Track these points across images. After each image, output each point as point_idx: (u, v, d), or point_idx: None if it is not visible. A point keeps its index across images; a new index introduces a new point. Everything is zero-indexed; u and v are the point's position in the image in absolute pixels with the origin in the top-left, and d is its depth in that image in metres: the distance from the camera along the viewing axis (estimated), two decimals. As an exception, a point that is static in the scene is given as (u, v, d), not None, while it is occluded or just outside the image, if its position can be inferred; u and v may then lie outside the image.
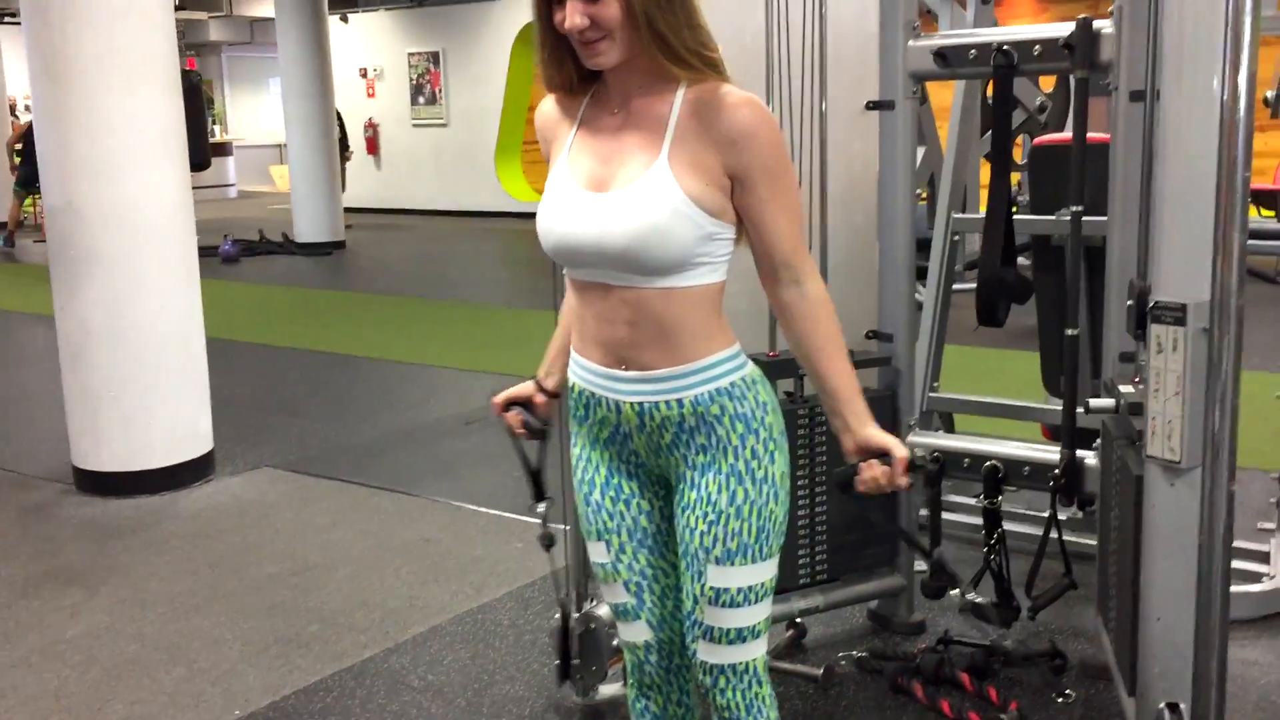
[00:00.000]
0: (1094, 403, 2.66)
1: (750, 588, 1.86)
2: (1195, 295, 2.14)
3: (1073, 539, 3.39)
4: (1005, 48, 2.83)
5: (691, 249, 1.74)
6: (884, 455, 1.77)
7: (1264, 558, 3.52)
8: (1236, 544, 3.62)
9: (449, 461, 4.91)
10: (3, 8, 10.93)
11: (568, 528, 2.83)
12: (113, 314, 4.49)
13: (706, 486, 1.82)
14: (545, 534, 2.19)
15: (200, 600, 3.63)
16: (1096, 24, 2.71)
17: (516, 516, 4.16)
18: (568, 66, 1.82)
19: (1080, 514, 3.60)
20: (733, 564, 1.83)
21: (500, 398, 2.09)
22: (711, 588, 1.84)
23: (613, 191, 1.77)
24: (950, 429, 4.20)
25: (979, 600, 2.99)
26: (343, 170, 13.41)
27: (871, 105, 3.09)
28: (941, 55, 2.95)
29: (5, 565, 3.96)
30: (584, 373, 1.88)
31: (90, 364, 4.54)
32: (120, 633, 3.43)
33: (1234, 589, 3.35)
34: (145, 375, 4.57)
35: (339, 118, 13.18)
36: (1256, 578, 3.42)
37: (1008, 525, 3.49)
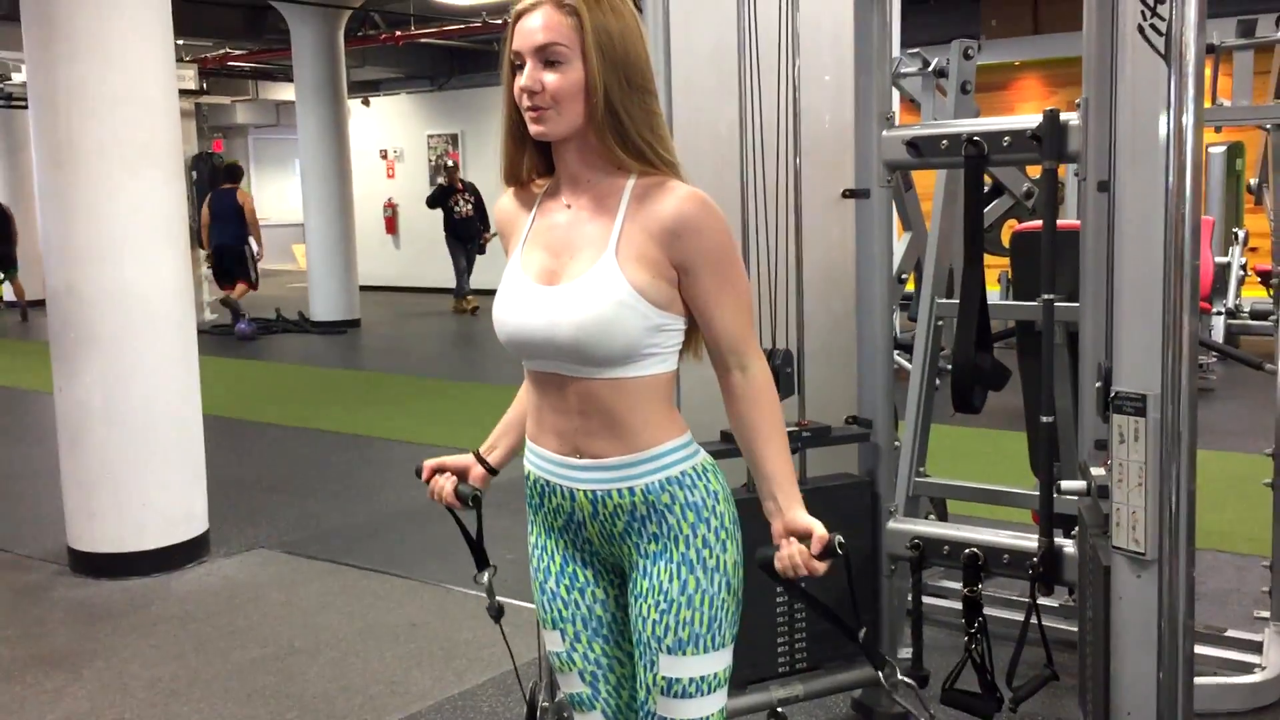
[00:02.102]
0: (1066, 485, 2.64)
1: (703, 678, 1.84)
2: (1156, 385, 2.14)
3: (1058, 625, 3.35)
4: (975, 138, 2.87)
5: (639, 340, 1.76)
6: (808, 538, 1.76)
7: (1257, 648, 3.46)
8: (1230, 633, 3.59)
9: (442, 543, 4.88)
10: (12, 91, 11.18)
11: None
12: (111, 396, 4.54)
13: (658, 575, 1.82)
14: (493, 604, 2.10)
15: (182, 685, 3.61)
16: (1063, 116, 2.74)
17: (506, 599, 4.12)
18: (528, 154, 1.86)
19: (1069, 599, 3.56)
20: (684, 653, 1.82)
21: (431, 463, 2.04)
22: (664, 677, 1.83)
23: (562, 285, 1.79)
24: (943, 515, 4.17)
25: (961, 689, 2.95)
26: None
27: (848, 194, 3.12)
28: (914, 145, 2.99)
29: (-8, 647, 3.96)
30: (539, 460, 1.90)
31: (87, 445, 4.58)
32: (99, 718, 3.41)
33: (1226, 680, 3.31)
34: (141, 457, 4.61)
35: None
36: (1249, 668, 3.35)
37: (995, 611, 3.46)
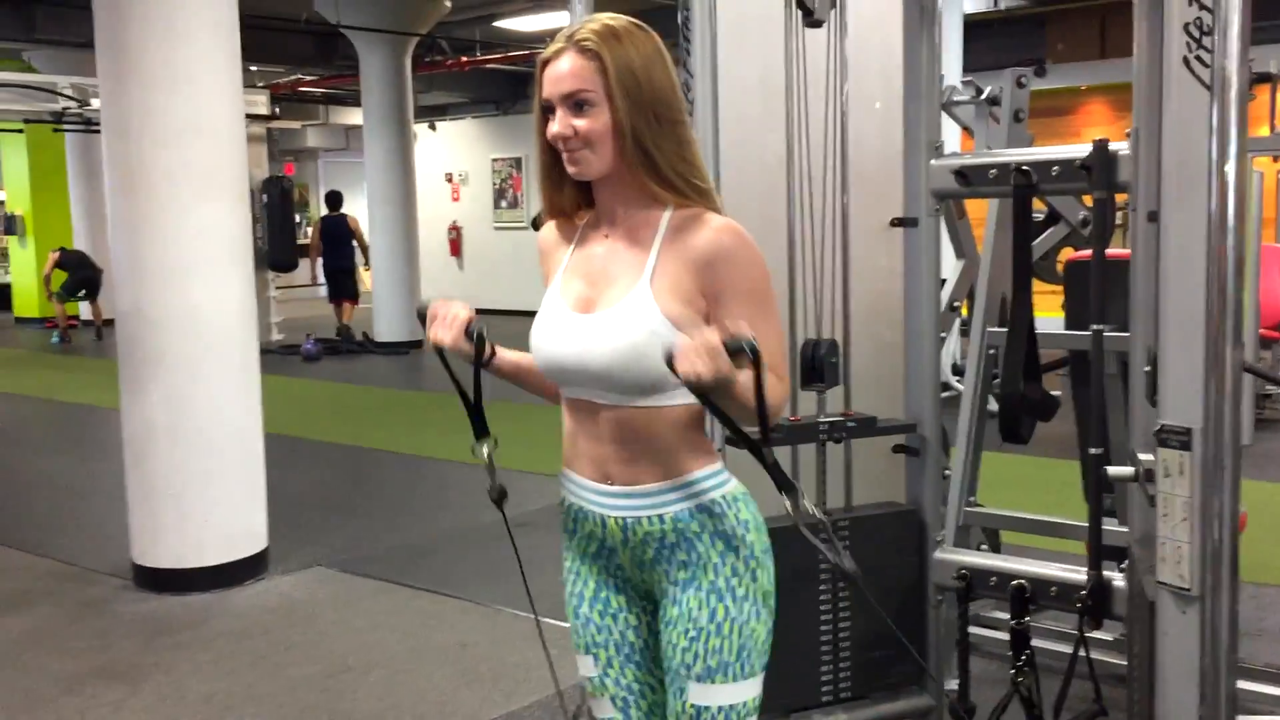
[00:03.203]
0: (1113, 471, 2.58)
1: (732, 706, 1.85)
2: (1200, 419, 2.11)
3: (1109, 659, 3.30)
4: (1024, 168, 2.85)
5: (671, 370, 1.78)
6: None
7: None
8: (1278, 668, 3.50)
9: (495, 564, 4.93)
10: (91, 117, 11.53)
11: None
12: (175, 414, 4.66)
13: (687, 603, 1.83)
14: (494, 485, 1.94)
15: (235, 701, 3.68)
16: (1113, 146, 2.72)
17: (555, 622, 4.12)
18: (567, 190, 1.89)
19: (1122, 634, 3.49)
20: (713, 681, 1.83)
21: (442, 301, 1.89)
22: (693, 705, 1.84)
23: (597, 313, 1.82)
24: (996, 545, 4.13)
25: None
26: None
27: (896, 222, 3.12)
28: (963, 174, 2.98)
29: (57, 660, 4.07)
30: (573, 486, 1.92)
31: (152, 462, 4.70)
32: (156, 730, 3.49)
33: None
34: (204, 475, 4.72)
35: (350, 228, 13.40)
36: (1304, 707, 3.27)
37: (1045, 644, 3.41)
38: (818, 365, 2.93)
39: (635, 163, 1.77)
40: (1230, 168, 1.85)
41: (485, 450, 1.94)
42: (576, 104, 1.75)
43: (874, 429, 3.04)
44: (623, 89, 1.74)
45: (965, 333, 6.68)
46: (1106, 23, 11.69)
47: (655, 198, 1.81)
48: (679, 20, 2.88)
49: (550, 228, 1.98)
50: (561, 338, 1.85)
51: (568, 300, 1.87)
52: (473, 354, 1.88)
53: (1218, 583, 1.90)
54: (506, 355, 1.98)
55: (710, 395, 1.65)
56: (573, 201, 1.91)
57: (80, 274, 14.12)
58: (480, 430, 1.95)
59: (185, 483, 4.69)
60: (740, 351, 1.58)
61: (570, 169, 1.80)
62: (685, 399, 1.81)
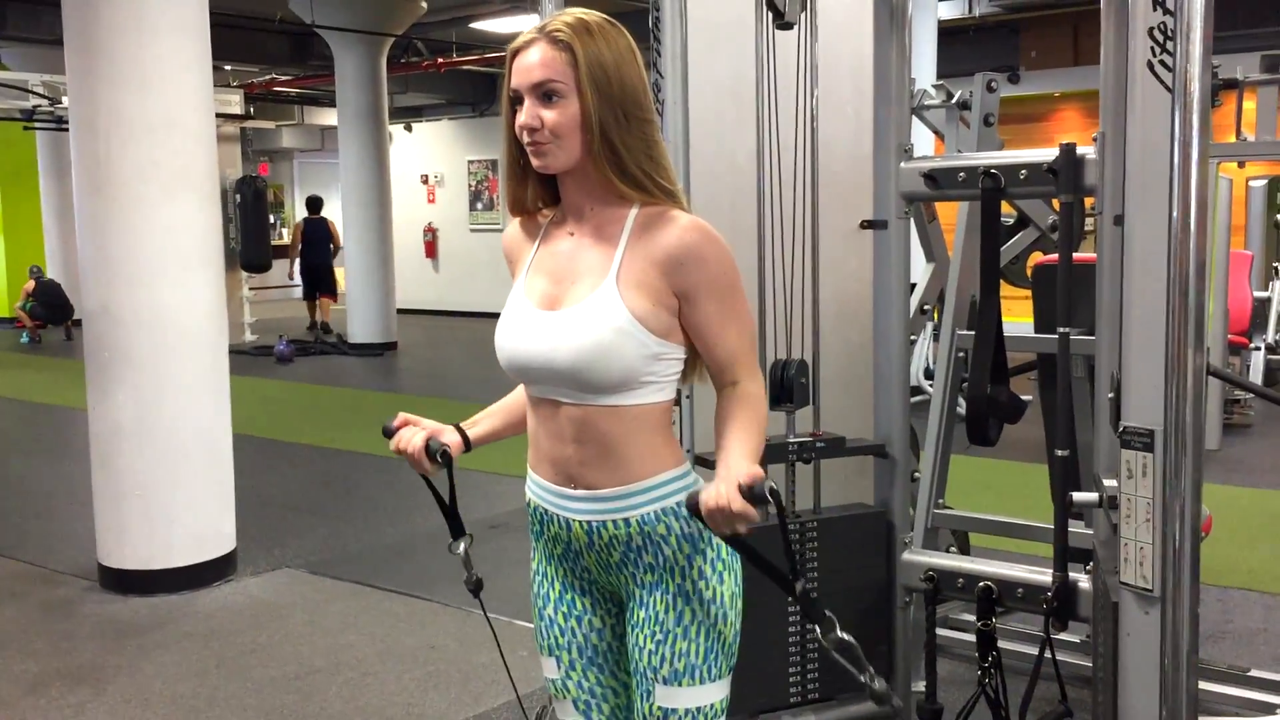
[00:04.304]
0: (1078, 497, 2.61)
1: (699, 709, 1.84)
2: (1163, 421, 2.13)
3: (1075, 661, 3.31)
4: (992, 171, 2.87)
5: (637, 368, 1.77)
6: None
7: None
8: (1254, 673, 3.53)
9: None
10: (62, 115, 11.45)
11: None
12: (143, 415, 4.62)
13: (654, 605, 1.82)
14: (470, 577, 1.99)
15: (202, 703, 3.65)
16: (1080, 150, 2.74)
17: (526, 624, 4.14)
18: (531, 185, 1.88)
19: (1087, 636, 3.51)
20: (680, 684, 1.82)
21: (406, 416, 2.00)
22: (659, 708, 1.83)
23: (562, 310, 1.81)
24: (965, 548, 4.14)
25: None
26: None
27: (866, 224, 3.13)
28: (932, 177, 2.99)
29: (21, 661, 4.02)
30: (537, 489, 1.91)
31: (119, 463, 4.66)
32: (120, 733, 3.46)
33: (1247, 721, 3.25)
34: (172, 475, 4.68)
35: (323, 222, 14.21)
36: (1272, 709, 3.30)
37: (1011, 645, 3.42)
38: (787, 385, 2.95)
39: (601, 158, 1.76)
40: (1193, 171, 1.87)
41: (462, 547, 2.00)
42: (545, 94, 1.74)
43: (843, 449, 3.06)
44: (593, 82, 1.73)
45: (938, 336, 6.72)
46: (1079, 31, 11.79)
47: (621, 195, 1.80)
48: (650, 22, 2.88)
49: (514, 226, 1.97)
50: (526, 336, 1.84)
51: (532, 298, 1.86)
52: (444, 467, 1.94)
53: (1179, 584, 1.91)
54: (481, 427, 2.02)
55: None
56: (536, 197, 1.89)
57: (49, 303, 14.10)
58: (456, 530, 2.01)
59: (152, 483, 4.65)
60: (763, 500, 1.57)
61: (535, 161, 1.79)
62: (652, 398, 1.80)
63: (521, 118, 1.77)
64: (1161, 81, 2.13)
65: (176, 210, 4.60)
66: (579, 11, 1.81)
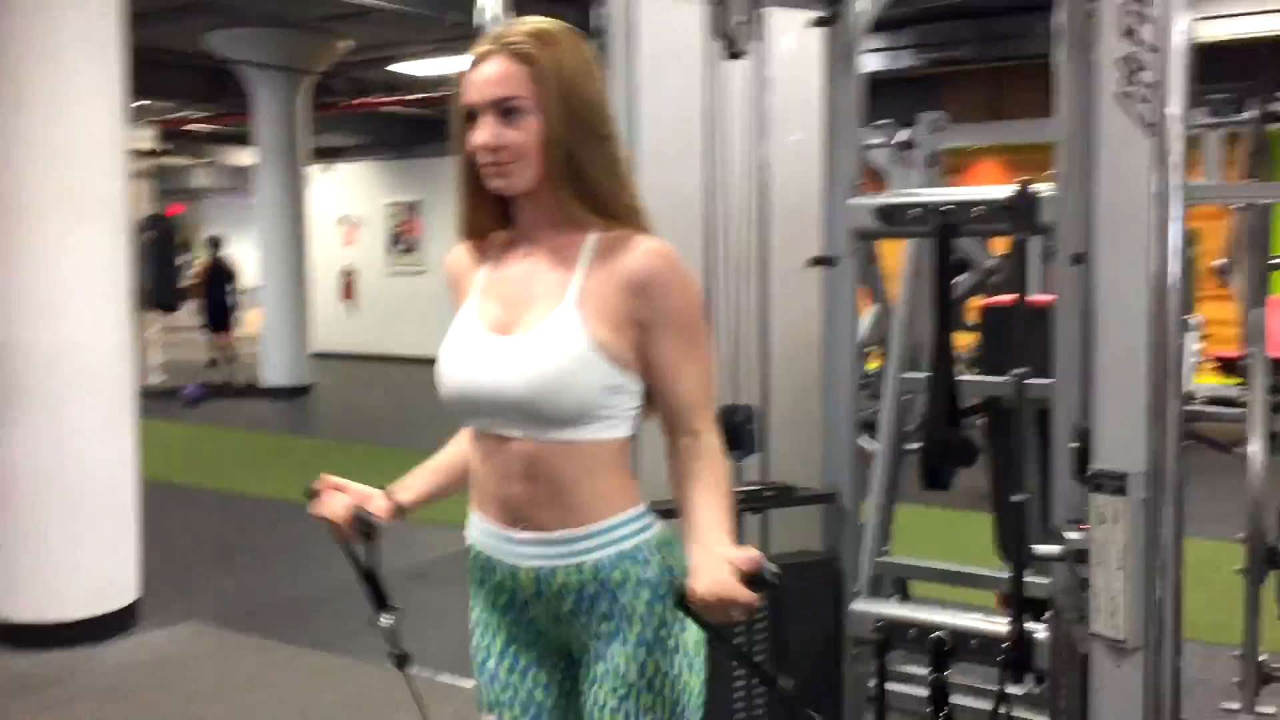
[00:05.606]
0: (1039, 549, 2.52)
1: (669, 766, 1.69)
2: (1136, 463, 2.05)
3: (1029, 717, 3.21)
4: (947, 207, 2.80)
5: (594, 400, 1.64)
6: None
7: (1228, 741, 3.33)
8: (1200, 726, 3.46)
9: (386, 619, 4.69)
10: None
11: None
12: (40, 454, 4.36)
13: (614, 658, 1.68)
14: (395, 651, 1.89)
15: (97, 768, 3.39)
16: (1036, 187, 2.68)
17: (451, 681, 3.94)
18: (484, 210, 1.75)
19: (1036, 689, 3.42)
20: (649, 741, 1.67)
21: (332, 480, 1.88)
22: (627, 768, 1.68)
23: (516, 334, 1.67)
24: (905, 596, 4.04)
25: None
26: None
27: (814, 261, 3.04)
28: (884, 213, 2.92)
29: (-103, 723, 3.72)
30: (480, 533, 1.77)
31: (12, 505, 4.39)
32: (5, 802, 3.18)
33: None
34: (70, 520, 4.41)
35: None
36: (1220, 763, 3.23)
37: (963, 700, 3.32)
38: (734, 433, 2.84)
39: (562, 179, 1.64)
40: (1173, 206, 1.79)
41: (386, 620, 1.89)
42: (505, 111, 1.61)
43: (791, 499, 2.95)
44: (558, 97, 1.61)
45: (865, 387, 6.66)
46: (1003, 85, 12.02)
47: (581, 215, 1.68)
48: (596, 49, 2.77)
49: (460, 252, 1.83)
50: (473, 362, 1.69)
51: (483, 321, 1.72)
52: (369, 536, 1.84)
53: (1160, 636, 1.81)
54: (416, 490, 1.90)
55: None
56: (490, 219, 1.76)
57: None
58: (380, 603, 1.88)
59: (49, 528, 4.38)
60: (766, 585, 1.47)
61: (494, 183, 1.66)
62: (609, 433, 1.67)
63: (479, 136, 1.63)
64: (1131, 115, 2.06)
65: (83, 240, 4.38)
66: (537, 20, 1.69)
